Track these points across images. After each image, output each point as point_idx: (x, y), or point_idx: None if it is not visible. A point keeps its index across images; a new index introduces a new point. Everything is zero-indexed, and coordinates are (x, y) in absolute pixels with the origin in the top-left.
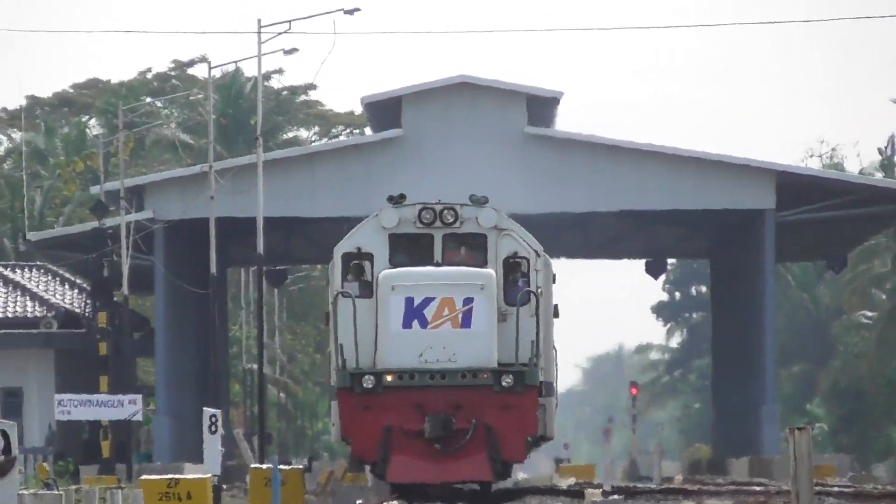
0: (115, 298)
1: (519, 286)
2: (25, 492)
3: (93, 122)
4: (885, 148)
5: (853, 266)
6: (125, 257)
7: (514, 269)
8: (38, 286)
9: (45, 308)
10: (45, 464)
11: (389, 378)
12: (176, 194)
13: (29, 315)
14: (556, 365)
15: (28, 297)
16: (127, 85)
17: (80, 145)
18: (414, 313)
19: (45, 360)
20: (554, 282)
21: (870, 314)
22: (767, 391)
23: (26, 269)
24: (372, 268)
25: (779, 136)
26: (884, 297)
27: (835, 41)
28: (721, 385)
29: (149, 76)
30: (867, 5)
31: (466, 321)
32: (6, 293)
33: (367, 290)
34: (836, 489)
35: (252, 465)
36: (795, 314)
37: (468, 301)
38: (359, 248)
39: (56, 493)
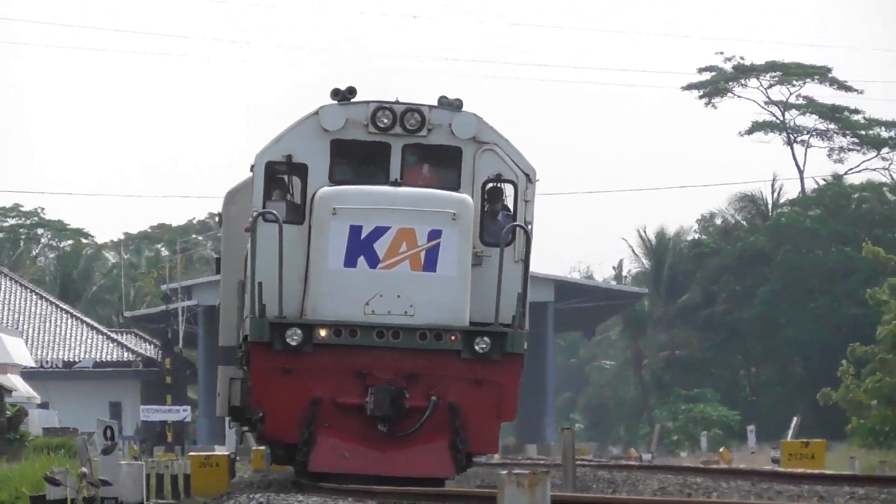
0: (175, 350)
1: (500, 221)
2: (123, 462)
3: (163, 248)
4: (616, 266)
5: (599, 334)
6: (181, 327)
7: (495, 196)
8: (131, 343)
9: (135, 356)
10: (134, 446)
11: (323, 333)
12: (212, 291)
13: (125, 360)
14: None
15: (125, 350)
16: (182, 227)
17: (156, 261)
18: (361, 247)
19: (135, 385)
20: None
21: (609, 362)
22: (548, 406)
23: (124, 333)
24: (305, 184)
25: (557, 255)
26: (616, 352)
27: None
28: (522, 402)
29: (194, 221)
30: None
31: (431, 262)
32: (113, 347)
33: (297, 213)
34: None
35: (254, 447)
36: (565, 362)
37: (434, 235)
38: (289, 157)
39: (140, 462)
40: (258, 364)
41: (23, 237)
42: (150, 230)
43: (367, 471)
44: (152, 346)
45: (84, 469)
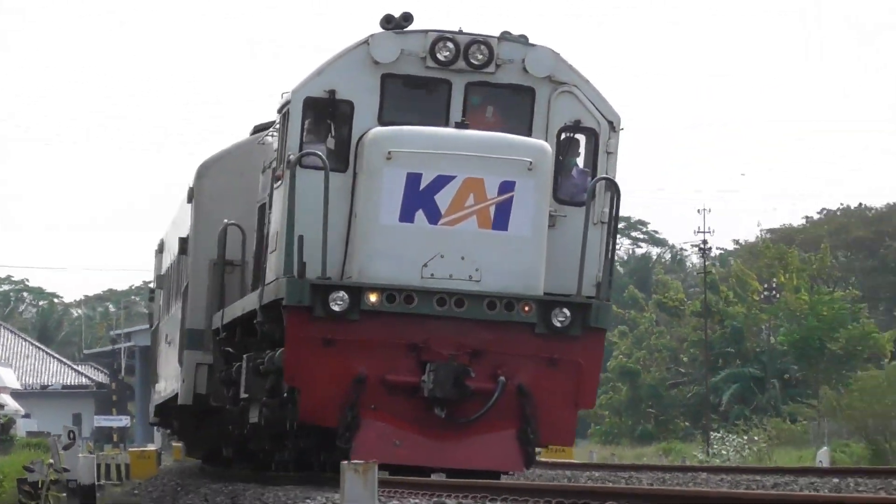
0: (119, 378)
1: (573, 176)
2: (80, 455)
3: (111, 306)
4: None
5: None
6: (123, 361)
7: (571, 147)
8: (88, 372)
9: (90, 381)
10: (90, 444)
11: (373, 298)
12: (146, 335)
13: (84, 384)
14: None
15: (83, 377)
16: (125, 292)
17: (106, 315)
18: (419, 199)
19: (90, 402)
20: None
21: None
22: None
23: (84, 365)
24: (350, 125)
25: None
26: None
27: None
28: None
29: (133, 287)
30: None
31: (502, 219)
32: (75, 375)
33: (338, 160)
34: None
35: (174, 444)
36: None
37: (507, 187)
38: (332, 92)
39: (93, 455)
40: (294, 333)
41: (13, 298)
42: (102, 293)
43: (421, 462)
44: (103, 374)
45: (52, 460)
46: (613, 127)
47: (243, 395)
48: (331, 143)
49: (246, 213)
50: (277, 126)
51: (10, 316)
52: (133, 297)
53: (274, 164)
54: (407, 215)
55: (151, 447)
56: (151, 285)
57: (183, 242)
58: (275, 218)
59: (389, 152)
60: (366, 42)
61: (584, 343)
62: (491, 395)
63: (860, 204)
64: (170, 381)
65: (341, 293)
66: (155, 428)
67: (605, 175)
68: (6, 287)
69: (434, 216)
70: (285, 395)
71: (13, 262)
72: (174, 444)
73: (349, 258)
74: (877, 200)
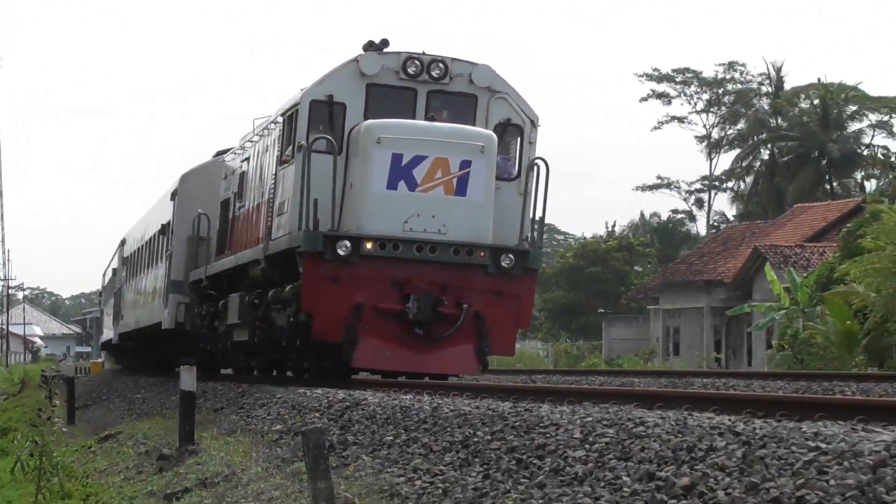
0: (87, 330)
1: (499, 162)
2: (68, 364)
3: (83, 300)
4: None
5: None
6: (88, 323)
7: (504, 138)
8: (73, 327)
9: (73, 331)
10: (72, 359)
11: (369, 245)
12: (96, 313)
13: (71, 333)
14: None
15: (71, 330)
16: (91, 293)
17: (81, 304)
18: (401, 173)
19: (74, 341)
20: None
21: None
22: None
23: (71, 324)
24: (343, 121)
25: None
26: None
27: None
28: None
29: (93, 291)
30: None
31: (461, 188)
32: (66, 329)
33: (334, 146)
34: None
35: (111, 359)
36: None
37: (465, 164)
38: (330, 96)
39: (73, 364)
40: (310, 272)
41: (38, 295)
42: (80, 294)
43: (404, 368)
44: (80, 328)
45: (54, 366)
46: (534, 124)
47: (234, 322)
48: (327, 133)
49: (211, 207)
50: (280, 124)
51: (38, 304)
52: (93, 297)
53: (275, 153)
54: (392, 184)
55: (99, 360)
56: (113, 267)
57: (164, 226)
58: (285, 189)
59: (379, 138)
60: (355, 60)
61: (523, 280)
62: (457, 319)
63: None
64: (144, 315)
65: (346, 242)
66: (101, 352)
67: (530, 159)
68: (38, 291)
69: (412, 185)
70: (292, 318)
71: (38, 279)
72: (111, 358)
73: (345, 217)
74: None
